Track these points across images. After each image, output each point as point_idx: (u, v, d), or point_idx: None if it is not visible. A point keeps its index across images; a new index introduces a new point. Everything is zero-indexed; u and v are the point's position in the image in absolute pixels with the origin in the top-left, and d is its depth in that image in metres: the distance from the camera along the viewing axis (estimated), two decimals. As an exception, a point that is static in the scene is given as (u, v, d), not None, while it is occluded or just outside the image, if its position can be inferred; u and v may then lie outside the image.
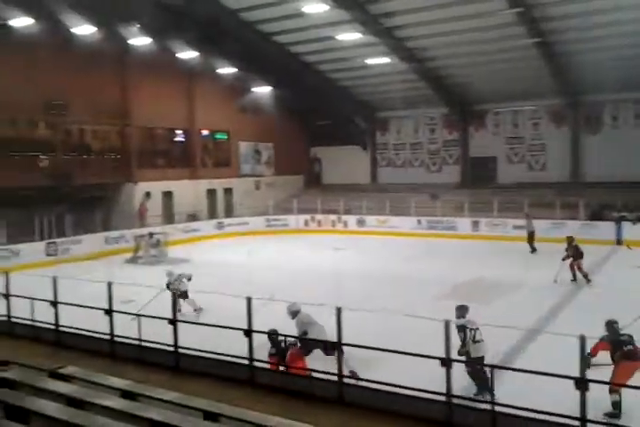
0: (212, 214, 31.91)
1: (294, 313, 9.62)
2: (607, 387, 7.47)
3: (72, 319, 9.47)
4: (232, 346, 8.11)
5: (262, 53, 28.89)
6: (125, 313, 8.86)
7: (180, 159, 31.84)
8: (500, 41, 25.33)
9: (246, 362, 8.04)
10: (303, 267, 20.13)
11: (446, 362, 6.40)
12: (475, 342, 8.69)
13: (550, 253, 18.99)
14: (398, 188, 33.35)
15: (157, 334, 8.58)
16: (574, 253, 16.80)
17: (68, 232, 23.38)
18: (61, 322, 9.55)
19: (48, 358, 7.99)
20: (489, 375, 7.29)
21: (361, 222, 29.85)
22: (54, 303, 9.43)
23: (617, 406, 7.82)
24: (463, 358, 8.47)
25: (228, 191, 33.51)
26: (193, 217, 30.28)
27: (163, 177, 29.41)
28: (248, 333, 8.17)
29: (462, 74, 30.21)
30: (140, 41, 23.64)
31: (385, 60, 27.26)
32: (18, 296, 10.02)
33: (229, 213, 32.81)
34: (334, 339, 7.23)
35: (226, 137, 34.30)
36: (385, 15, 24.69)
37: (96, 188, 26.56)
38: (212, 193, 32.56)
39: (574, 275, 16.84)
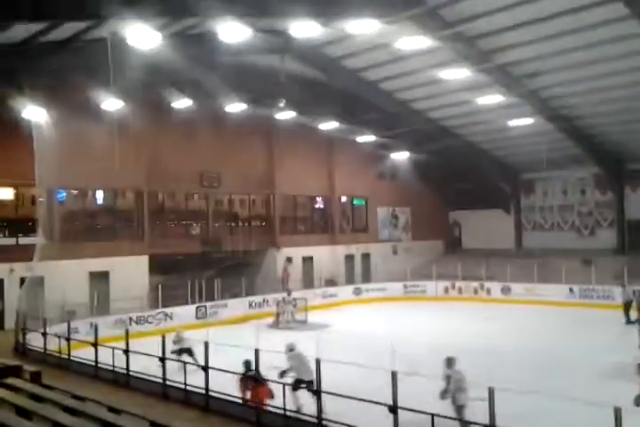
0: (350, 280, 31.97)
1: (290, 348, 10.93)
2: None
3: (221, 384, 9.64)
4: (375, 421, 7.75)
5: (400, 120, 29.36)
6: (271, 381, 8.83)
7: (320, 225, 32.69)
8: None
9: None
10: (449, 340, 19.06)
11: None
12: (459, 391, 9.51)
13: None
14: (546, 253, 31.30)
15: (304, 405, 8.44)
16: None
17: (216, 296, 24.51)
18: (210, 386, 9.75)
19: (198, 423, 8.12)
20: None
21: (506, 290, 28.17)
22: (205, 368, 9.68)
23: None
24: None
25: (365, 257, 33.57)
26: (331, 282, 30.50)
27: (303, 243, 30.24)
28: (393, 409, 7.79)
29: (614, 131, 28.42)
30: (284, 115, 25.13)
31: (529, 120, 26.42)
32: (172, 360, 10.43)
33: (367, 278, 32.68)
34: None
35: (364, 203, 34.80)
36: (528, 76, 24.17)
37: (242, 253, 27.87)
38: (350, 258, 32.80)
39: None
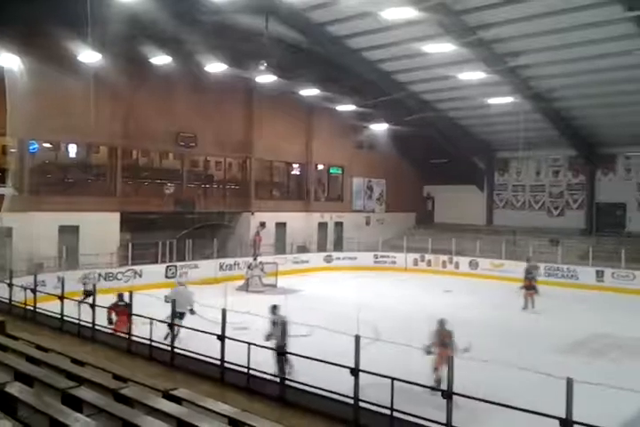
0: (322, 247, 32.24)
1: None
2: None
3: (186, 342, 9.77)
4: (337, 383, 7.96)
5: (381, 91, 29.23)
6: (237, 340, 8.97)
7: (295, 192, 32.71)
8: (634, 82, 23.89)
9: (352, 402, 7.84)
10: (410, 308, 19.58)
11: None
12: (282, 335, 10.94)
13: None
14: (515, 231, 31.94)
15: (267, 364, 8.61)
16: None
17: (187, 257, 24.53)
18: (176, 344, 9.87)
19: (162, 379, 8.24)
20: None
21: (474, 265, 28.76)
22: (171, 325, 9.78)
23: None
24: None
25: (338, 225, 33.80)
26: (303, 249, 30.74)
27: (278, 208, 30.27)
28: (355, 371, 7.99)
29: (591, 115, 28.76)
30: (265, 78, 24.79)
31: (508, 99, 26.55)
32: (139, 316, 10.51)
33: (339, 246, 33.00)
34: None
35: (340, 172, 34.83)
36: (511, 54, 24.17)
37: (215, 216, 27.82)
38: (323, 226, 32.99)
39: None
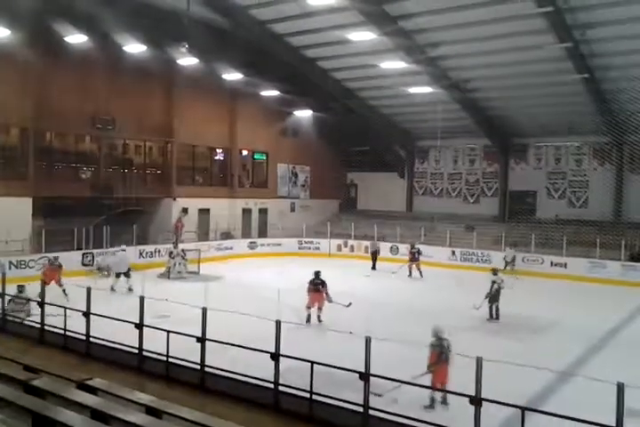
0: (247, 234, 32.11)
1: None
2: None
3: (103, 331, 9.54)
4: (257, 368, 8.04)
5: (305, 78, 29.28)
6: (156, 328, 8.86)
7: (219, 178, 32.29)
8: (546, 75, 25.10)
9: (272, 386, 7.95)
10: (330, 292, 19.89)
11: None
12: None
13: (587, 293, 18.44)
14: (434, 217, 33.07)
15: (185, 351, 8.56)
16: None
17: (105, 244, 23.76)
18: (92, 333, 9.62)
19: (77, 369, 8.04)
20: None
21: (394, 250, 29.55)
22: (86, 314, 9.52)
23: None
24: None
25: (263, 212, 33.73)
26: (227, 235, 30.50)
27: (201, 194, 29.81)
28: (275, 356, 8.09)
29: (505, 106, 30.03)
30: (187, 61, 24.20)
31: (427, 89, 27.28)
32: (52, 304, 10.15)
33: (263, 233, 32.97)
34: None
35: (264, 158, 34.69)
36: (430, 45, 24.79)
37: (135, 201, 27.04)
38: (247, 213, 32.81)
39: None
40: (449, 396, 8.94)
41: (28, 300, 11.76)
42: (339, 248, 31.26)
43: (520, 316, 17.03)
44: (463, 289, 20.82)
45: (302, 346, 11.22)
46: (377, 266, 27.00)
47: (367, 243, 29.76)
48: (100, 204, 25.11)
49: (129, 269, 19.41)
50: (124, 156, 27.88)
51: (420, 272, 24.48)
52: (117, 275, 19.42)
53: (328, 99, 31.12)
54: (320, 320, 15.23)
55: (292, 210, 35.54)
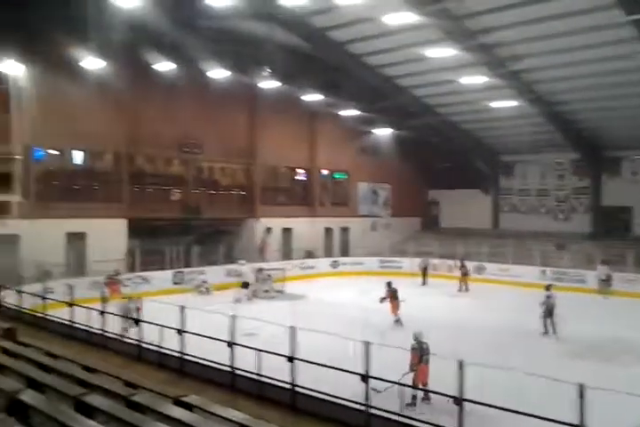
0: (328, 253, 32.22)
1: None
2: None
3: (195, 348, 9.75)
4: (346, 388, 7.94)
5: (384, 96, 29.31)
6: (247, 347, 8.96)
7: (301, 197, 32.71)
8: (636, 85, 23.90)
9: (362, 408, 7.82)
10: (416, 312, 19.51)
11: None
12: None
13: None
14: (521, 235, 31.87)
15: (277, 370, 8.59)
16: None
17: (193, 263, 24.54)
18: (185, 350, 9.86)
19: (172, 385, 8.23)
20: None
21: (480, 269, 28.65)
22: (180, 332, 9.77)
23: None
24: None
25: (344, 230, 33.80)
26: (310, 254, 30.72)
27: (283, 214, 30.28)
28: (365, 378, 7.97)
29: (595, 118, 28.74)
30: (268, 84, 24.85)
31: (511, 103, 26.57)
32: (148, 322, 10.50)
33: (345, 252, 32.97)
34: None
35: (345, 177, 34.86)
36: (512, 58, 24.19)
37: (221, 222, 27.84)
38: (329, 231, 32.98)
39: None
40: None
41: (126, 317, 12.23)
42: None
43: (624, 340, 15.97)
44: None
45: (390, 366, 11.04)
46: (428, 281, 27.53)
47: (451, 262, 29.09)
48: (190, 224, 26.05)
49: (246, 284, 22.05)
50: (210, 178, 28.86)
51: (467, 287, 25.15)
52: (244, 285, 21.96)
53: (408, 116, 30.95)
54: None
55: (374, 229, 35.38)
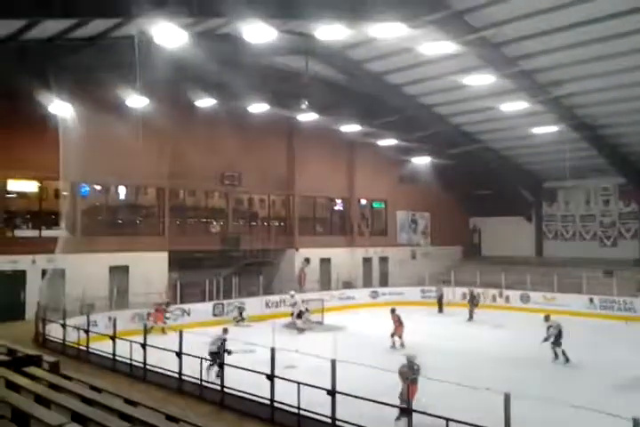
0: (368, 283, 31.93)
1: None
2: None
3: (235, 380, 9.70)
4: (389, 422, 7.74)
5: (422, 124, 29.33)
6: (287, 380, 8.87)
7: (339, 227, 32.71)
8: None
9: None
10: (458, 344, 19.01)
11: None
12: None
13: None
14: (567, 262, 30.98)
15: (317, 404, 8.45)
16: None
17: (233, 294, 24.63)
18: (226, 383, 9.82)
19: (213, 419, 8.18)
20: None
21: (525, 298, 27.89)
22: (221, 365, 9.75)
23: None
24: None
25: (383, 260, 33.51)
26: (349, 284, 30.49)
27: (322, 244, 30.27)
28: (408, 411, 7.78)
29: (639, 142, 28.05)
30: (306, 117, 25.20)
31: (552, 128, 26.19)
32: (189, 355, 10.53)
33: (384, 282, 32.62)
34: None
35: (383, 206, 34.75)
36: (553, 84, 23.98)
37: (260, 253, 28.00)
38: (367, 261, 32.76)
39: None
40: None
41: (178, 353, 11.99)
42: (463, 296, 29.97)
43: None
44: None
45: (435, 401, 10.74)
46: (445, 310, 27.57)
47: (495, 291, 28.46)
48: (229, 256, 26.27)
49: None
50: (249, 209, 29.20)
51: (472, 316, 24.89)
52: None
53: (447, 144, 30.83)
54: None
55: (413, 257, 34.98)
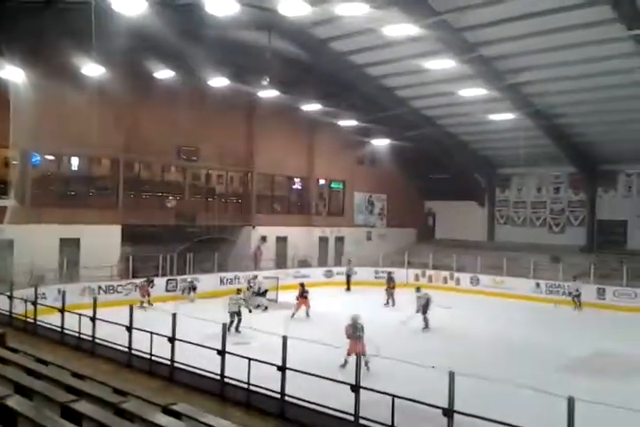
0: (323, 262, 32.18)
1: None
2: None
3: (186, 356, 9.70)
4: (336, 398, 7.91)
5: (382, 107, 29.41)
6: (237, 355, 8.92)
7: (297, 206, 32.74)
8: (635, 99, 24.04)
9: (352, 418, 7.79)
10: (409, 323, 19.47)
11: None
12: None
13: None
14: (516, 247, 31.92)
15: (265, 378, 8.56)
16: None
17: (187, 270, 24.47)
18: (176, 358, 9.81)
19: (161, 393, 8.18)
20: None
21: (475, 281, 28.68)
22: (171, 340, 9.73)
23: None
24: None
25: (339, 240, 33.78)
26: (304, 263, 30.67)
27: (279, 222, 30.27)
28: (356, 388, 7.95)
29: (592, 132, 28.87)
30: (267, 93, 24.93)
31: (509, 116, 26.68)
32: (139, 330, 10.46)
33: (339, 261, 32.94)
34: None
35: (341, 187, 34.91)
36: (512, 71, 24.35)
37: (217, 229, 27.81)
38: (324, 241, 32.96)
39: None
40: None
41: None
42: (416, 278, 30.59)
43: (617, 353, 15.95)
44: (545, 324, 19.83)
45: (382, 378, 11.01)
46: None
47: (446, 273, 29.12)
48: (184, 231, 26.01)
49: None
50: (206, 185, 28.86)
51: (393, 301, 24.25)
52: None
53: (406, 127, 31.06)
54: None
55: (369, 239, 35.38)
